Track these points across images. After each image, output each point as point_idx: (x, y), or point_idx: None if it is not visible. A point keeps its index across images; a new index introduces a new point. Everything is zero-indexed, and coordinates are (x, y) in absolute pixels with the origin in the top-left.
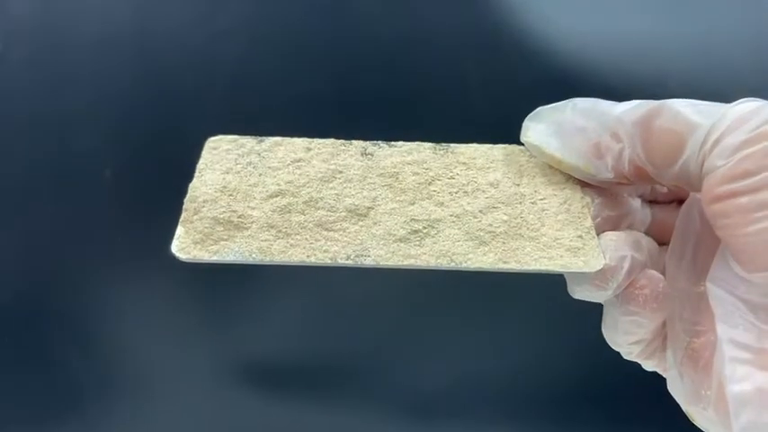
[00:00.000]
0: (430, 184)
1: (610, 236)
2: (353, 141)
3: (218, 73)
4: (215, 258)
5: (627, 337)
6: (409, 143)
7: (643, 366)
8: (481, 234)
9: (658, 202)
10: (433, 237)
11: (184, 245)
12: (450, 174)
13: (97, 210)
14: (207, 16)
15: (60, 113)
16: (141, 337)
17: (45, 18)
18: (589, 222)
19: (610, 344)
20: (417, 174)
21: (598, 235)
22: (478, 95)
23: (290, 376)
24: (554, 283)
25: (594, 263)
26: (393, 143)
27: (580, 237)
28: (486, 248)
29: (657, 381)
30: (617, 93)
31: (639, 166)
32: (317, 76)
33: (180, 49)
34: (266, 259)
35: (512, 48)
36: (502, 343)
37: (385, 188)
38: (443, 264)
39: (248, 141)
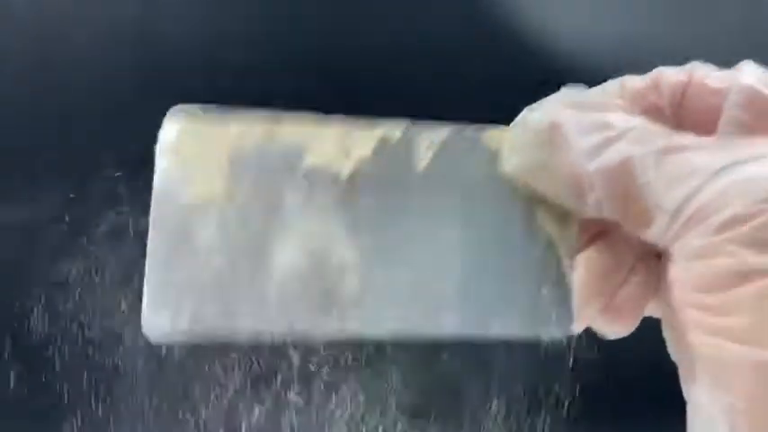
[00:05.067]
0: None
1: (582, 260)
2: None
3: (219, 73)
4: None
5: None
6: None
7: None
8: (451, 294)
9: None
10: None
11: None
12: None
13: (98, 210)
14: (207, 16)
15: (60, 114)
16: (140, 338)
17: (45, 17)
18: (568, 269)
19: None
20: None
21: (580, 249)
22: (478, 95)
23: (289, 377)
24: None
25: (565, 327)
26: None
27: (556, 294)
28: (457, 308)
29: (659, 382)
30: None
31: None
32: (316, 76)
33: (180, 48)
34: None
35: (512, 48)
36: (502, 342)
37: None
38: (403, 333)
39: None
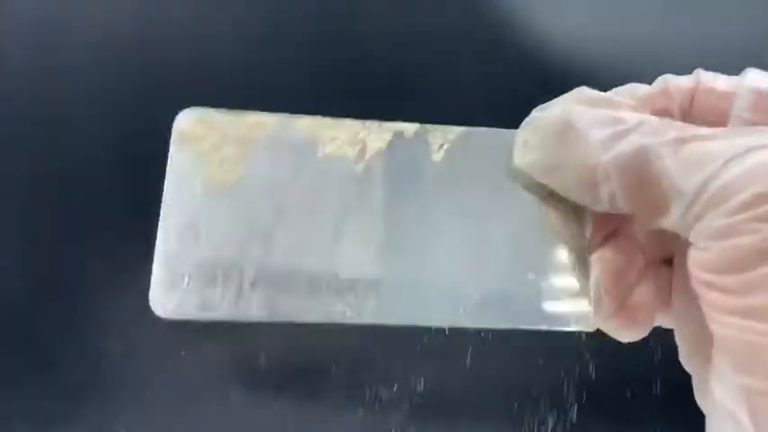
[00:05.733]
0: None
1: (596, 260)
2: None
3: (220, 74)
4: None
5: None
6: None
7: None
8: (462, 285)
9: None
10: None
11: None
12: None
13: (97, 210)
14: (207, 16)
15: (60, 114)
16: (140, 338)
17: (45, 18)
18: (581, 268)
19: None
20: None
21: (593, 250)
22: (478, 95)
23: (289, 377)
24: None
25: (578, 324)
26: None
27: (568, 292)
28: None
29: (658, 382)
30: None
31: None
32: (316, 77)
33: (181, 49)
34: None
35: (512, 47)
36: (502, 343)
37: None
38: (422, 322)
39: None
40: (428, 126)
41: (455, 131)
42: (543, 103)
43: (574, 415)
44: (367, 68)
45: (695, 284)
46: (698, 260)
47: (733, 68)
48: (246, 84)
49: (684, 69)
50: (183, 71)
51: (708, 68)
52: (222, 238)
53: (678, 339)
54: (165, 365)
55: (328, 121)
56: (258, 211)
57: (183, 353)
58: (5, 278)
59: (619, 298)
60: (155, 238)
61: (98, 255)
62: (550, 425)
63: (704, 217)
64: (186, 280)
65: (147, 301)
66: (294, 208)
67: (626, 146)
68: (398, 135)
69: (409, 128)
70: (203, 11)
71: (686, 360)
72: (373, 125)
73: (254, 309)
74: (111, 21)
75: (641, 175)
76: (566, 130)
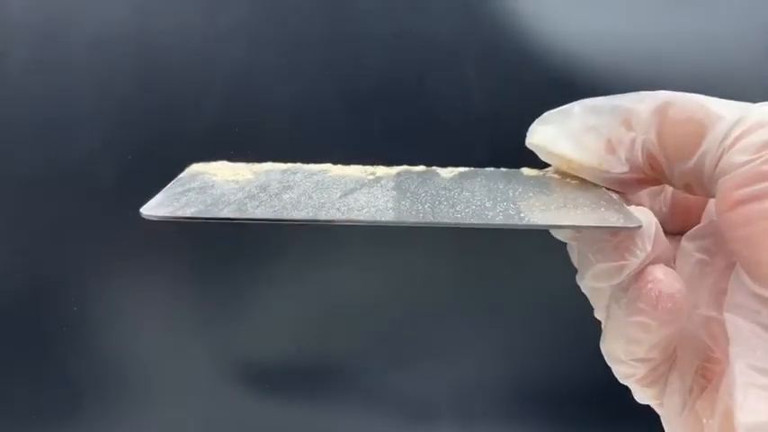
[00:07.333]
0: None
1: (634, 207)
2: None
3: (220, 74)
4: (181, 213)
5: (630, 349)
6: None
7: (637, 396)
8: (512, 206)
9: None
10: (458, 203)
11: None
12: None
13: (97, 210)
14: (208, 17)
15: (60, 115)
16: (140, 338)
17: (45, 18)
18: (618, 197)
19: (609, 360)
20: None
21: None
22: (479, 95)
23: (290, 377)
24: (554, 285)
25: (632, 220)
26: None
27: (614, 206)
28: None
29: None
30: (617, 93)
31: (653, 156)
32: (317, 77)
33: (181, 49)
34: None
35: (512, 48)
36: (503, 344)
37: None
38: (475, 222)
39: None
40: (435, 167)
41: (463, 169)
42: (546, 104)
43: (577, 415)
44: (366, 67)
45: (731, 215)
46: (738, 179)
47: (735, 69)
48: (242, 85)
49: (686, 69)
50: (183, 70)
51: (709, 68)
52: (230, 190)
53: (677, 378)
54: (166, 366)
55: (339, 166)
56: (268, 180)
57: (184, 353)
58: (6, 278)
59: (658, 237)
60: (150, 238)
61: (99, 255)
62: (555, 425)
63: (748, 136)
64: (188, 195)
65: (147, 307)
66: (303, 185)
67: (653, 92)
68: (408, 169)
69: (417, 168)
70: (203, 11)
71: (680, 403)
72: (381, 167)
73: (258, 213)
74: (112, 20)
75: (672, 110)
76: (579, 109)
